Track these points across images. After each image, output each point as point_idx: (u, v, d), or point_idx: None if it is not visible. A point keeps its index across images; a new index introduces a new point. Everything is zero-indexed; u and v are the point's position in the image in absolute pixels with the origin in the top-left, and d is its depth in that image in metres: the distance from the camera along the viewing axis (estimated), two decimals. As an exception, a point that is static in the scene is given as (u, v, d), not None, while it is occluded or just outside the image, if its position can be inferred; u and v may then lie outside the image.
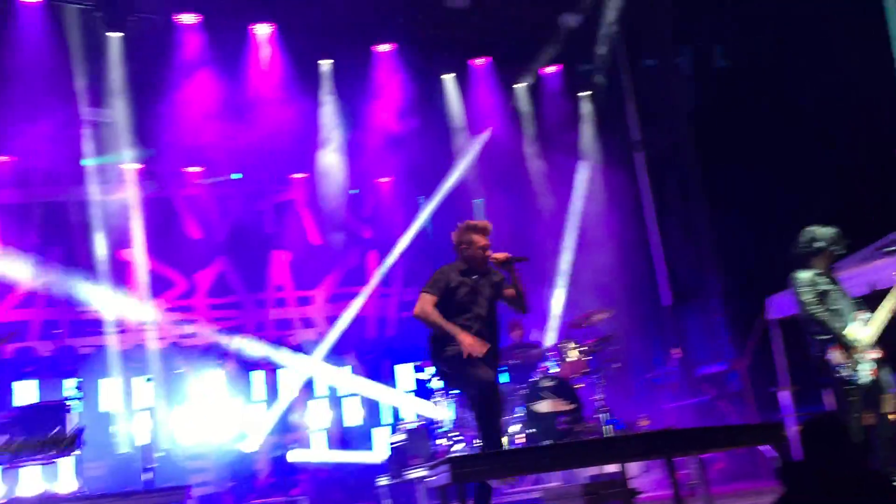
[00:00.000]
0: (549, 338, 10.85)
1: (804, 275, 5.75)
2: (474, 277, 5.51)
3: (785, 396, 8.73)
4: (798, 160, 9.60)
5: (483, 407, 5.21)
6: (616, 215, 11.86)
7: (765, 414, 9.11)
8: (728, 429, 5.59)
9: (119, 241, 10.91)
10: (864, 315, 5.62)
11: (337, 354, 11.77)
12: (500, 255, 5.45)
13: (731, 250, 10.38)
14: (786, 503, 3.29)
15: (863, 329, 5.55)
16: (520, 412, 8.05)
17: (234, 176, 11.77)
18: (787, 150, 9.73)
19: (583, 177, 12.10)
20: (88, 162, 10.53)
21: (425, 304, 5.35)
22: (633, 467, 8.01)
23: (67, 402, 7.58)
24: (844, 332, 5.52)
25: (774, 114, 9.82)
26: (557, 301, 11.54)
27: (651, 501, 7.18)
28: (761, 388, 9.29)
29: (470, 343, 5.18)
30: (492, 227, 5.59)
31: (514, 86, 12.21)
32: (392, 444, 9.21)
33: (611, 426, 8.09)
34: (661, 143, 11.45)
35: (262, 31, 10.37)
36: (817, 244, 5.83)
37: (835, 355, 5.46)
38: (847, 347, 5.46)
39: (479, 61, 11.60)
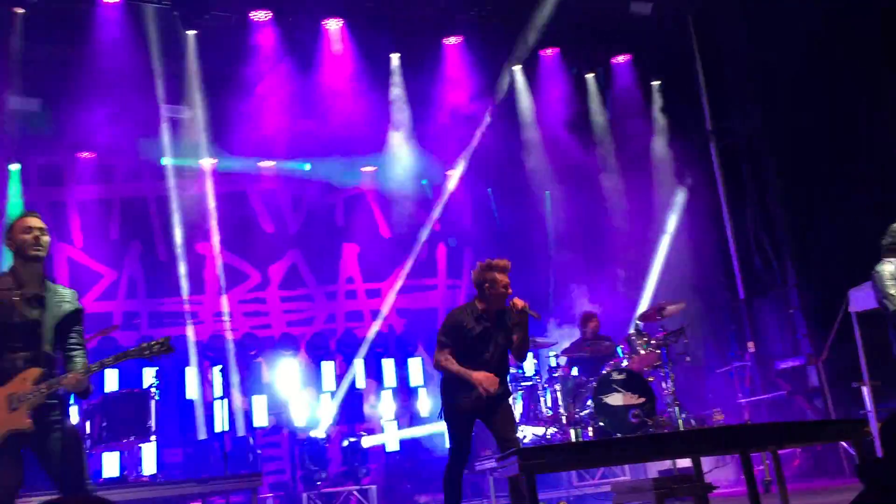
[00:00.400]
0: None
1: (888, 267, 5.58)
2: (486, 325, 5.58)
3: (866, 392, 8.45)
4: (879, 149, 9.27)
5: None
6: (690, 207, 11.64)
7: (842, 410, 8.83)
8: (806, 424, 5.45)
9: (196, 235, 11.24)
10: None
11: (405, 346, 11.89)
12: (520, 303, 5.51)
13: (809, 241, 10.06)
14: (866, 502, 3.19)
15: None
16: (591, 405, 8.00)
17: (305, 167, 11.95)
18: (868, 139, 9.40)
19: (664, 173, 11.87)
20: (167, 158, 10.87)
21: (439, 356, 5.55)
22: (707, 464, 7.87)
23: (152, 390, 7.85)
24: None
25: (853, 102, 9.48)
26: (645, 292, 11.39)
27: (725, 497, 7.05)
28: (840, 383, 9.01)
29: (482, 379, 5.37)
30: (510, 265, 5.63)
31: (586, 76, 12.07)
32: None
33: (683, 420, 7.97)
34: (736, 133, 11.17)
35: (333, 25, 10.48)
36: None
37: None
38: None
39: (548, 52, 11.49)
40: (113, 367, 4.67)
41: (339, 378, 11.27)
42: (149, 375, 8.71)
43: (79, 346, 4.43)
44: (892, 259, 5.61)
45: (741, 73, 10.96)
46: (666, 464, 8.55)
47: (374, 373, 11.57)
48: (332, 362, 11.27)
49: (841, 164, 9.58)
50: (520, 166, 12.21)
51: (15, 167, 10.11)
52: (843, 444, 8.39)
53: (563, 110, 11.87)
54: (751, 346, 10.48)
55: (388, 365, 11.58)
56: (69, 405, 4.51)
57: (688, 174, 11.62)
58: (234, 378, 10.69)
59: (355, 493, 9.93)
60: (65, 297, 4.43)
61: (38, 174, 10.81)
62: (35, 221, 4.37)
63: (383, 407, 11.32)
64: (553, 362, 9.15)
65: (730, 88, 11.19)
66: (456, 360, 5.50)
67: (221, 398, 7.58)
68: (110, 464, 9.31)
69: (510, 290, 5.56)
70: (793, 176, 10.35)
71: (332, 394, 11.04)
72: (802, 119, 9.90)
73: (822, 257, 9.81)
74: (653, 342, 8.43)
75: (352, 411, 11.16)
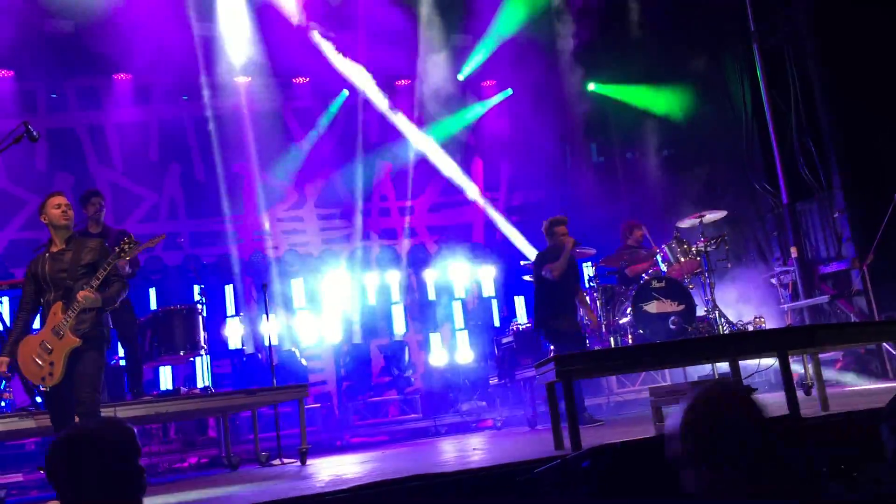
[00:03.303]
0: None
1: None
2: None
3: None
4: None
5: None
6: (734, 110, 11.35)
7: (886, 314, 8.73)
8: (845, 325, 5.40)
9: (234, 154, 11.31)
10: None
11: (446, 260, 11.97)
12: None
13: (855, 145, 9.76)
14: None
15: None
16: (630, 313, 8.03)
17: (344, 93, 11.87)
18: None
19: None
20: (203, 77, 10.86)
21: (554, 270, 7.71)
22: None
23: (199, 306, 8.06)
24: None
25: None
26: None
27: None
28: (885, 286, 8.88)
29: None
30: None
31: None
32: (502, 344, 9.38)
33: (724, 326, 7.96)
34: (781, 32, 10.74)
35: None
36: None
37: None
38: None
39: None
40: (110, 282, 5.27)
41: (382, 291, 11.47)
42: (194, 292, 8.92)
43: (111, 276, 5.28)
44: None
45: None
46: (706, 370, 8.60)
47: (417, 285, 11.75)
48: (377, 272, 11.44)
49: (888, 70, 9.20)
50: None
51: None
52: (886, 345, 8.34)
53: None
54: (794, 251, 10.33)
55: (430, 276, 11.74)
56: (102, 320, 5.29)
57: (727, 76, 11.29)
58: (278, 294, 10.91)
59: (399, 401, 10.19)
60: (88, 245, 5.35)
61: (76, 97, 10.91)
62: (63, 199, 5.36)
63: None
64: (592, 271, 9.16)
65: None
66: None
67: (266, 313, 7.75)
68: (165, 376, 9.69)
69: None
70: (838, 77, 9.98)
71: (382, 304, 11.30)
72: (849, 21, 9.48)
73: (867, 160, 9.54)
74: (693, 249, 8.36)
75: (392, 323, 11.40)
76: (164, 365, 9.30)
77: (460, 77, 12.35)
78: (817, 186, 10.21)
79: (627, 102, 12.48)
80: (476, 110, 12.69)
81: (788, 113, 10.55)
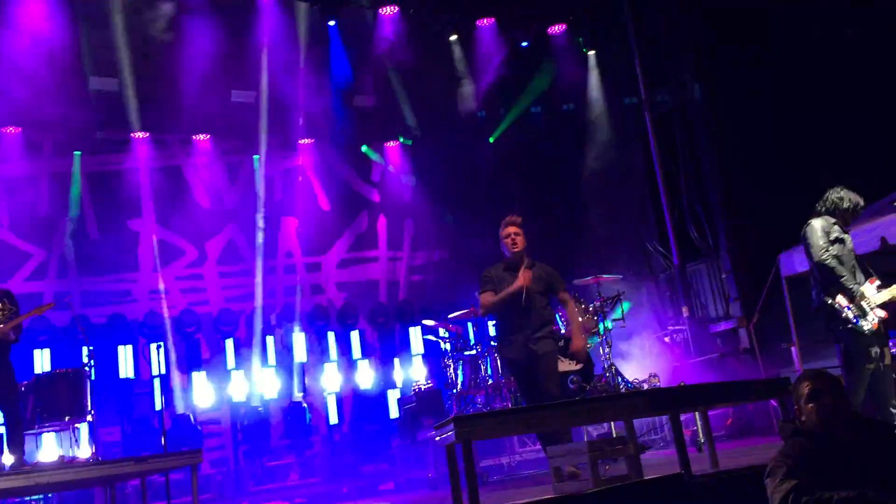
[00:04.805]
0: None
1: (820, 222, 5.77)
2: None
3: (795, 353, 8.74)
4: (810, 121, 9.50)
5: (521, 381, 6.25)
6: (625, 176, 11.81)
7: (773, 370, 9.12)
8: (732, 384, 5.61)
9: (129, 210, 10.99)
10: (877, 283, 5.63)
11: (348, 319, 11.85)
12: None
13: (741, 208, 10.31)
14: (783, 457, 3.31)
15: (876, 291, 5.57)
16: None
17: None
18: (799, 109, 9.62)
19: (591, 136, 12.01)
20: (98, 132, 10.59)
21: (483, 301, 6.24)
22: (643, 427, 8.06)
23: (86, 369, 7.68)
24: (855, 284, 5.54)
25: (786, 75, 9.69)
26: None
27: (659, 458, 7.23)
28: (770, 345, 9.30)
29: (521, 280, 6.02)
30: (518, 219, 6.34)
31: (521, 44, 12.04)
32: (404, 406, 9.32)
33: (621, 385, 8.13)
34: (670, 102, 11.33)
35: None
36: (845, 205, 5.85)
37: (841, 300, 5.50)
38: (853, 295, 5.48)
39: (485, 22, 11.45)
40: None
41: (283, 352, 11.23)
42: (81, 355, 8.53)
43: None
44: (825, 217, 5.81)
45: (674, 40, 11.10)
46: (605, 429, 8.73)
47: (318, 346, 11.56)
48: (272, 337, 11.21)
49: (773, 135, 9.80)
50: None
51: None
52: (773, 403, 8.68)
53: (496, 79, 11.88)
54: (685, 310, 10.73)
55: (331, 338, 11.57)
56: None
57: (622, 142, 11.78)
58: (173, 356, 10.55)
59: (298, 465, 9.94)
60: None
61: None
62: None
63: (325, 380, 11.30)
64: (493, 331, 9.25)
65: (663, 59, 11.32)
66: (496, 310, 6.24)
67: (160, 376, 7.47)
68: (48, 445, 9.14)
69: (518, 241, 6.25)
70: (725, 143, 10.57)
71: (281, 367, 11.03)
72: (736, 90, 10.09)
73: (752, 223, 10.07)
74: (590, 309, 8.56)
75: (294, 385, 11.14)
76: (47, 432, 8.79)
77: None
78: (705, 248, 10.69)
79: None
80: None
81: (678, 175, 11.06)
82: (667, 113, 11.38)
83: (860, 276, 5.68)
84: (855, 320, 5.44)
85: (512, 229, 6.27)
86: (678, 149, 11.11)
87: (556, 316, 8.81)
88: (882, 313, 5.50)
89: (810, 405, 3.38)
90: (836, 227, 5.76)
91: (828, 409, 3.33)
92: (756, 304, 9.22)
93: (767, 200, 9.79)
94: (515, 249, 6.22)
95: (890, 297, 5.56)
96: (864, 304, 5.48)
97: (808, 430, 3.37)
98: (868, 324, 5.44)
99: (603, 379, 8.30)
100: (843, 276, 5.53)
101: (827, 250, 5.60)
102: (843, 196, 5.88)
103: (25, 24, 9.18)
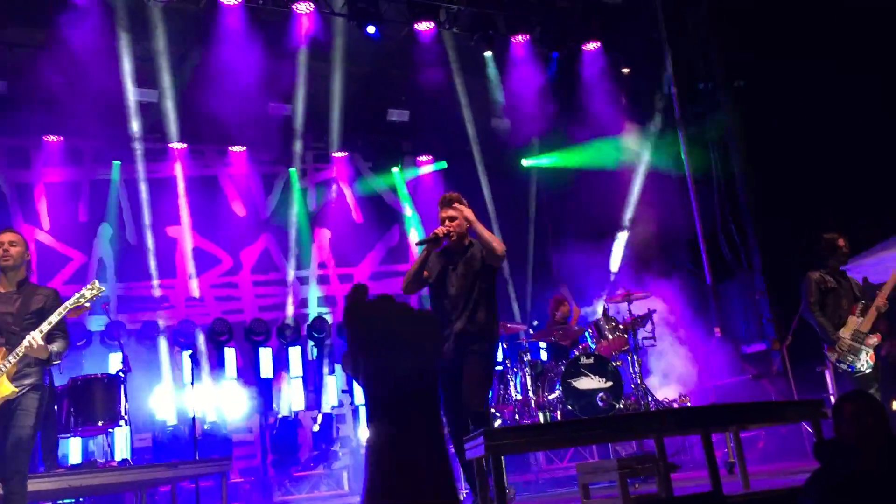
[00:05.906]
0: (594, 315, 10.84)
1: (814, 275, 6.29)
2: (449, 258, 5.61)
3: (829, 376, 8.62)
4: (844, 141, 9.41)
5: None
6: (659, 195, 11.75)
7: (806, 393, 9.00)
8: (765, 405, 5.57)
9: (166, 218, 11.18)
10: (860, 308, 5.92)
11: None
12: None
13: (775, 227, 10.22)
14: (819, 479, 3.29)
15: (858, 321, 5.84)
16: (559, 389, 8.09)
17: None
18: (835, 129, 9.54)
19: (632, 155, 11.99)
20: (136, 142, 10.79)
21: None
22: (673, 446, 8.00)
23: (121, 374, 7.78)
24: (838, 335, 5.96)
25: (822, 95, 9.63)
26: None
27: (689, 478, 7.17)
28: (803, 368, 9.18)
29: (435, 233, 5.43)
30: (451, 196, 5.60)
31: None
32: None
33: (650, 403, 8.08)
34: (704, 120, 11.28)
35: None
36: (837, 248, 6.37)
37: (832, 355, 5.83)
38: (840, 347, 5.77)
39: (520, 38, 11.48)
40: (57, 334, 5.00)
41: (314, 362, 11.30)
42: (116, 361, 8.65)
43: (57, 329, 4.95)
44: (821, 269, 6.19)
45: (710, 63, 11.07)
46: (633, 447, 8.67)
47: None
48: (299, 347, 11.28)
49: (807, 153, 9.72)
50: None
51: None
52: (805, 425, 8.56)
53: (534, 95, 11.89)
54: (717, 330, 10.63)
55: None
56: (44, 373, 5.06)
57: (656, 162, 11.74)
58: (205, 363, 10.66)
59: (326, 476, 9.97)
60: (39, 292, 5.07)
61: (5, 156, 10.71)
62: (5, 236, 5.03)
63: (357, 391, 11.33)
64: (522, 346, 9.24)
65: (699, 78, 11.29)
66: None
67: (192, 383, 7.55)
68: (82, 449, 9.28)
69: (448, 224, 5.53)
70: (760, 161, 10.50)
71: (304, 378, 11.07)
72: (771, 109, 10.03)
73: (787, 243, 9.97)
74: (621, 327, 8.53)
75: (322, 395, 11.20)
76: (80, 436, 8.92)
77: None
78: (738, 268, 10.60)
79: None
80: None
81: (712, 196, 11.00)
82: (701, 131, 11.33)
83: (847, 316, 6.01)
84: (850, 368, 5.68)
85: (447, 212, 5.50)
86: (712, 168, 11.05)
87: (587, 334, 8.84)
88: (874, 340, 5.71)
89: (852, 426, 3.35)
90: (830, 276, 6.09)
91: (869, 431, 3.30)
92: (790, 326, 9.11)
93: (802, 221, 9.71)
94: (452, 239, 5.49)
95: (872, 320, 5.81)
96: (851, 344, 5.69)
97: (847, 452, 3.34)
98: (862, 362, 5.65)
99: (632, 398, 8.26)
100: (826, 331, 6.05)
101: (813, 305, 5.95)
102: (836, 240, 6.38)
103: (69, 36, 9.37)
